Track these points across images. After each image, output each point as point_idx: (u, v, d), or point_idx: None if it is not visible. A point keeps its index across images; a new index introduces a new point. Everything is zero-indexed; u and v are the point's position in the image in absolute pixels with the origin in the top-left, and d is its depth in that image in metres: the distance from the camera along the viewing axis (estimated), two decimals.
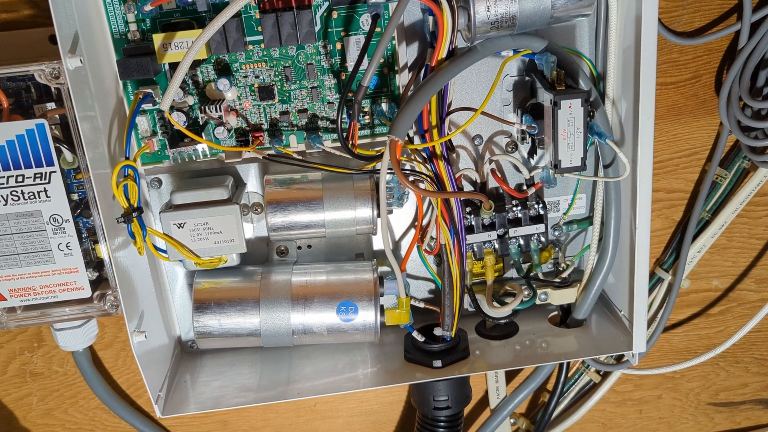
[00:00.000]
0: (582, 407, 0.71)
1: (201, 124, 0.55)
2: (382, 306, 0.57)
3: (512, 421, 0.72)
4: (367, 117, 0.56)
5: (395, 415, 0.72)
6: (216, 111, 0.53)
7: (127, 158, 0.51)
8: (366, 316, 0.56)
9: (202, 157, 0.56)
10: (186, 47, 0.49)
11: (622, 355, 0.65)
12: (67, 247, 0.53)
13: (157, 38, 0.49)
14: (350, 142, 0.52)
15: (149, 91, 0.52)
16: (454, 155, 0.60)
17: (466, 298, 0.61)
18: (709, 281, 0.69)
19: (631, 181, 0.54)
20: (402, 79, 0.55)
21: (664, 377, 0.73)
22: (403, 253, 0.62)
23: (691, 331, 0.71)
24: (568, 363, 0.66)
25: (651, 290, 0.67)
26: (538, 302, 0.62)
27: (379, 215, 0.55)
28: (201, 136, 0.54)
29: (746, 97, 0.57)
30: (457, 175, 0.59)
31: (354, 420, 0.72)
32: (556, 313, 0.65)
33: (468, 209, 0.59)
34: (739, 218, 0.66)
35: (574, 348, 0.60)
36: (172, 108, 0.54)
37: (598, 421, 0.75)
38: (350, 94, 0.52)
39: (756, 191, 0.63)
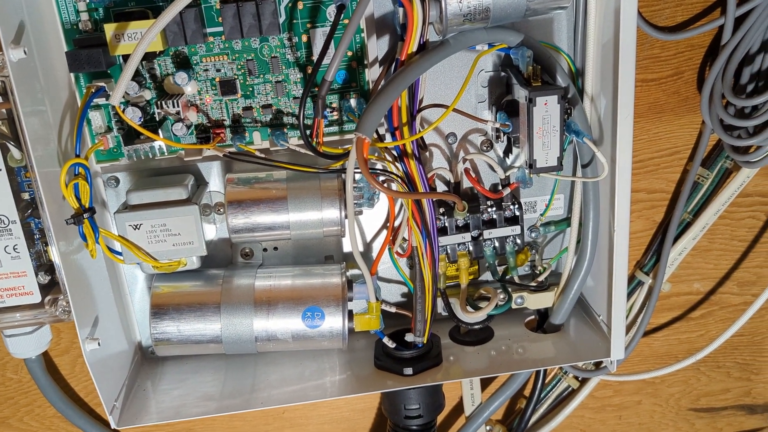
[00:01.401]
0: (560, 413, 0.69)
1: (158, 120, 0.52)
2: (350, 311, 0.55)
3: (488, 428, 0.70)
4: (335, 113, 0.53)
5: (367, 422, 0.70)
6: (174, 106, 0.50)
7: (78, 156, 0.48)
8: (333, 322, 0.53)
9: (159, 155, 0.53)
10: (140, 38, 0.46)
11: (601, 361, 0.64)
12: (14, 249, 0.50)
13: (109, 28, 0.46)
14: (315, 140, 0.49)
15: (102, 84, 0.49)
16: (427, 154, 0.58)
17: (440, 303, 0.59)
18: (691, 284, 0.68)
19: (610, 181, 0.52)
20: (372, 73, 0.52)
21: (644, 382, 0.71)
22: (374, 255, 0.60)
23: (672, 335, 0.69)
24: (545, 369, 0.64)
25: (631, 293, 0.65)
26: (514, 306, 0.60)
27: (347, 216, 0.52)
28: (158, 133, 0.51)
29: (729, 95, 0.55)
30: (429, 175, 0.57)
31: (324, 428, 0.70)
32: (533, 317, 0.63)
33: (441, 210, 0.56)
34: (722, 219, 0.64)
35: (552, 354, 0.58)
36: (127, 103, 0.51)
37: (577, 427, 0.73)
38: (316, 89, 0.49)
39: (738, 192, 0.61)
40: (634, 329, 0.64)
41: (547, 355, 0.58)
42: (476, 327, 0.59)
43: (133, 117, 0.49)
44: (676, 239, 0.63)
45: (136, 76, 0.50)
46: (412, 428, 0.59)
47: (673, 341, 0.70)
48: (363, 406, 0.69)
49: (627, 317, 0.65)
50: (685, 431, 0.74)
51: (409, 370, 0.55)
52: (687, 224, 0.63)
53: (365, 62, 0.52)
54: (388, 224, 0.58)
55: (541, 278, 0.60)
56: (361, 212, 0.57)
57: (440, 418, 0.70)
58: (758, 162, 0.56)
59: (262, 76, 0.52)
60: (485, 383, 0.68)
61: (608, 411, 0.73)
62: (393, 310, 0.58)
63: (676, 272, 0.66)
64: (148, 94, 0.51)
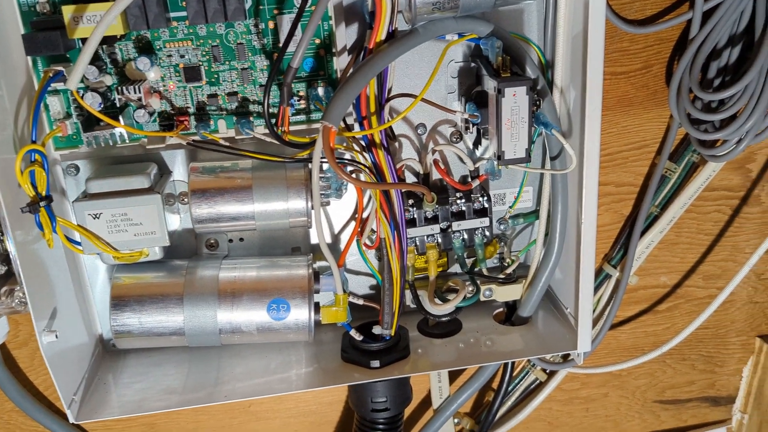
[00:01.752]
0: (528, 406, 0.69)
1: (119, 106, 0.50)
2: (317, 303, 0.54)
3: (456, 420, 0.70)
4: (302, 102, 0.53)
5: (335, 416, 0.69)
6: (135, 92, 0.49)
7: (34, 142, 0.46)
8: (298, 314, 0.53)
9: (120, 142, 0.51)
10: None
11: (569, 353, 0.64)
12: None
13: (68, 10, 0.44)
14: (280, 128, 0.48)
15: (60, 68, 0.47)
16: (396, 144, 0.57)
17: (408, 295, 0.58)
18: (657, 277, 0.68)
19: (578, 173, 0.52)
20: (340, 62, 0.52)
21: (611, 375, 0.72)
22: (342, 247, 0.59)
23: (639, 328, 0.70)
24: (513, 362, 0.64)
25: (599, 286, 0.65)
26: (482, 299, 0.59)
27: (313, 207, 0.51)
28: (119, 120, 0.50)
29: (696, 89, 0.55)
30: (398, 166, 0.56)
31: (291, 422, 0.69)
32: (501, 310, 0.63)
33: (410, 201, 0.56)
34: (688, 213, 0.64)
35: (520, 347, 0.58)
36: (86, 88, 0.49)
37: (545, 419, 0.73)
38: (283, 77, 0.48)
39: (705, 186, 0.62)
40: (601, 322, 0.64)
41: (515, 347, 0.58)
42: (444, 319, 0.59)
43: (92, 103, 0.48)
44: (643, 232, 0.63)
45: (96, 61, 0.49)
46: (378, 422, 0.58)
47: (640, 334, 0.70)
48: (330, 399, 0.68)
49: (594, 310, 0.66)
50: (650, 423, 0.75)
51: (376, 363, 0.55)
52: (654, 218, 0.63)
53: (333, 50, 0.51)
54: (357, 215, 0.57)
55: (509, 270, 0.59)
56: (328, 203, 0.56)
57: (408, 411, 0.70)
58: (724, 156, 0.56)
59: (227, 62, 0.51)
60: (453, 376, 0.68)
61: (576, 403, 0.73)
62: (361, 302, 0.57)
63: (644, 265, 0.66)
64: (108, 80, 0.50)
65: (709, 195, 0.64)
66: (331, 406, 0.69)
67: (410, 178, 0.58)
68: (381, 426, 0.59)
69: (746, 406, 0.73)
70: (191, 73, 0.51)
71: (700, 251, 0.67)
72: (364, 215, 0.56)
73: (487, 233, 0.58)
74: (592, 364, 0.70)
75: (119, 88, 0.49)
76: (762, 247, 0.58)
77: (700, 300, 0.69)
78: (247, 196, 0.51)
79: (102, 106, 0.49)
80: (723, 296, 0.62)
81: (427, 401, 0.69)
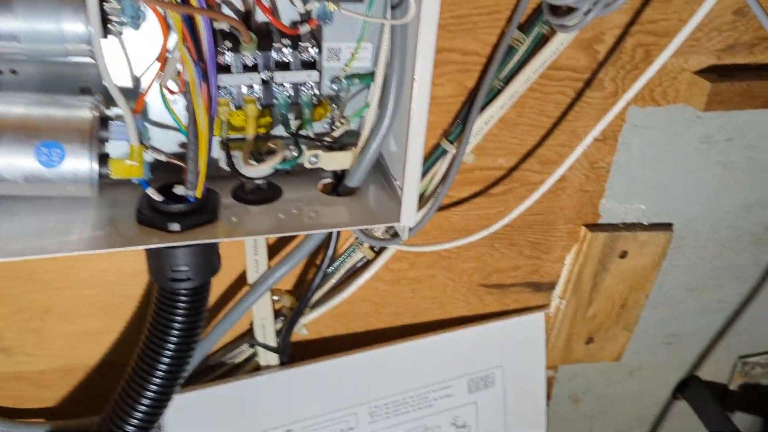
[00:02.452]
0: (353, 284, 0.66)
1: None
2: (106, 155, 0.46)
3: (276, 298, 0.65)
4: None
5: (138, 288, 0.62)
6: None
7: None
8: (77, 163, 0.44)
9: None
10: None
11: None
12: None
13: None
14: None
15: None
16: None
17: (223, 157, 0.51)
18: (495, 159, 0.65)
19: (416, 27, 0.46)
20: None
21: (440, 256, 0.70)
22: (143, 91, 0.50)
23: (472, 210, 0.68)
24: (338, 234, 0.60)
25: (434, 162, 0.62)
26: (308, 165, 0.54)
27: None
28: None
29: None
30: None
31: (86, 294, 0.61)
32: (329, 181, 0.57)
33: (228, 45, 0.47)
34: (532, 92, 0.61)
35: (344, 218, 0.54)
36: None
37: (371, 299, 0.71)
38: None
39: (550, 62, 0.58)
40: (433, 198, 0.61)
41: (339, 219, 0.54)
42: (260, 183, 0.52)
43: None
44: (484, 107, 0.60)
45: None
46: (179, 292, 0.52)
47: (473, 216, 0.68)
48: (134, 269, 0.61)
49: (428, 187, 0.62)
50: (474, 305, 0.75)
51: (175, 226, 0.48)
52: (497, 92, 0.60)
53: None
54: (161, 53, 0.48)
55: (336, 134, 0.54)
56: (120, 32, 0.46)
57: (221, 287, 0.65)
58: (572, 27, 0.53)
59: None
60: (273, 252, 0.63)
61: (403, 284, 0.71)
62: (164, 158, 0.49)
63: (482, 144, 0.63)
64: None
65: (554, 74, 0.61)
66: (135, 277, 0.62)
67: (228, 13, 0.49)
68: (182, 297, 0.52)
69: (565, 293, 0.75)
70: None
71: (540, 134, 0.65)
72: (169, 55, 0.47)
73: (317, 92, 0.51)
74: (422, 242, 0.67)
75: None
76: (596, 129, 0.56)
77: (534, 185, 0.67)
78: (7, 9, 0.41)
79: None
80: (553, 179, 0.60)
81: (243, 277, 0.64)
